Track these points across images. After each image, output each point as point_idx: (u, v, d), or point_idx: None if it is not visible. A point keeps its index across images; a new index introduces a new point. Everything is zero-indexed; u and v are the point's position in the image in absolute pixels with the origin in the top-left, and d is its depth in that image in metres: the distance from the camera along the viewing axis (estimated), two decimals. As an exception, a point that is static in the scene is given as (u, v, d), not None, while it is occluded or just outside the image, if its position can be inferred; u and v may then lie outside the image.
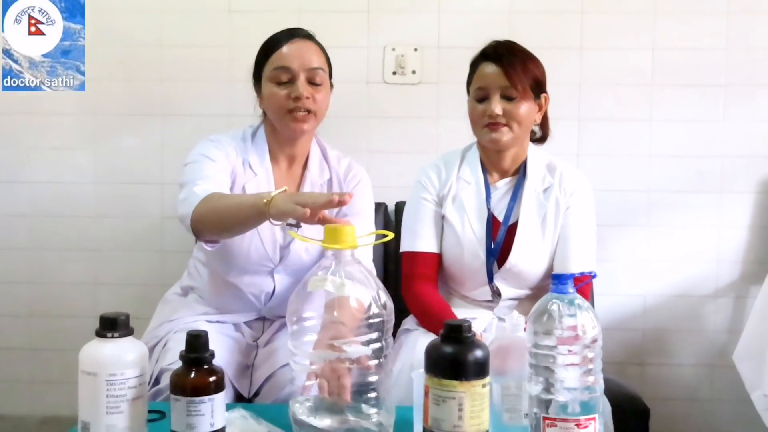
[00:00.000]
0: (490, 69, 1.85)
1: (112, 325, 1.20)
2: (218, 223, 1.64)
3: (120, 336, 1.20)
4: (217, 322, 1.87)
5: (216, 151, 1.82)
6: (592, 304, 1.90)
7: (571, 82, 2.55)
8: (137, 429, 1.20)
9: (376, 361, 1.22)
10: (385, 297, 1.24)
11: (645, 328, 2.61)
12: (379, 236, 1.41)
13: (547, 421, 1.08)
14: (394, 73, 2.58)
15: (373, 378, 1.22)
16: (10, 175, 2.64)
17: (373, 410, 1.22)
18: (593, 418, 1.09)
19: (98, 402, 1.17)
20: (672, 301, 2.60)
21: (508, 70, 1.83)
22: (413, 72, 2.58)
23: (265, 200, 1.45)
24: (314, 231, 1.40)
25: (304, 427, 1.22)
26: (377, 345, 1.22)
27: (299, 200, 1.38)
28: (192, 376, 1.18)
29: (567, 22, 2.55)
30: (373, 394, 1.22)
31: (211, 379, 1.18)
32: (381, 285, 1.26)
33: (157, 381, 1.66)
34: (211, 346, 1.22)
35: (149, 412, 1.25)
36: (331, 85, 1.91)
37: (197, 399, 1.16)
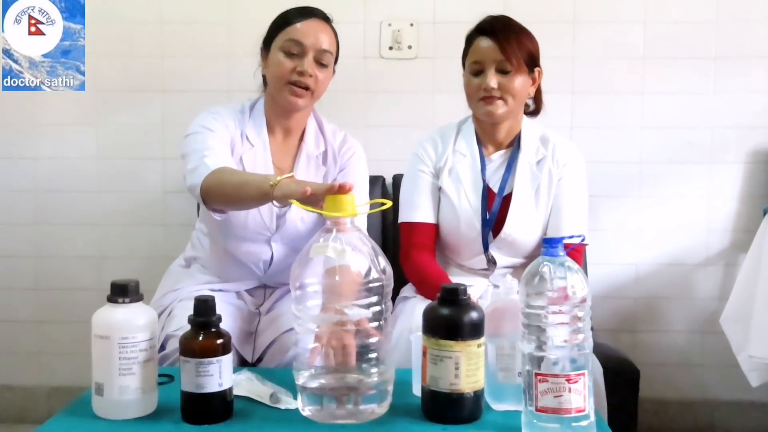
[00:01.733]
0: (485, 43, 1.87)
1: (123, 291, 1.24)
2: (225, 197, 1.70)
3: (131, 301, 1.24)
4: (220, 290, 1.90)
5: (215, 123, 1.86)
6: (586, 273, 1.94)
7: (564, 56, 2.56)
8: (149, 390, 1.25)
9: (376, 323, 1.25)
10: (384, 263, 1.27)
11: (637, 296, 2.65)
12: (376, 205, 1.44)
13: (539, 377, 1.12)
14: (391, 48, 2.60)
15: (373, 339, 1.25)
16: (13, 151, 2.66)
17: (373, 370, 1.25)
18: (583, 374, 1.12)
19: (111, 364, 1.22)
20: (663, 270, 2.64)
21: (503, 45, 1.85)
22: (409, 47, 2.60)
23: (271, 183, 1.49)
24: None
25: (308, 390, 1.26)
26: (377, 308, 1.25)
27: (302, 184, 1.42)
28: (200, 338, 1.23)
29: (561, -4, 2.57)
30: (373, 355, 1.25)
31: (219, 341, 1.23)
32: (380, 251, 1.29)
33: (163, 347, 1.70)
34: (214, 313, 1.27)
35: (158, 375, 1.30)
36: (334, 71, 1.94)
37: (206, 360, 1.21)
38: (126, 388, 1.23)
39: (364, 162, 2.01)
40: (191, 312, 1.26)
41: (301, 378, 1.27)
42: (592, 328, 1.16)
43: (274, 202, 1.52)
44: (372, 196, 2.03)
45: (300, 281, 1.28)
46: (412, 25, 2.59)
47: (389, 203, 1.42)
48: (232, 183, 1.67)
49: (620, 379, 1.88)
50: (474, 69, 1.89)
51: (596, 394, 1.24)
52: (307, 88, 1.85)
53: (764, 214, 1.86)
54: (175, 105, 2.61)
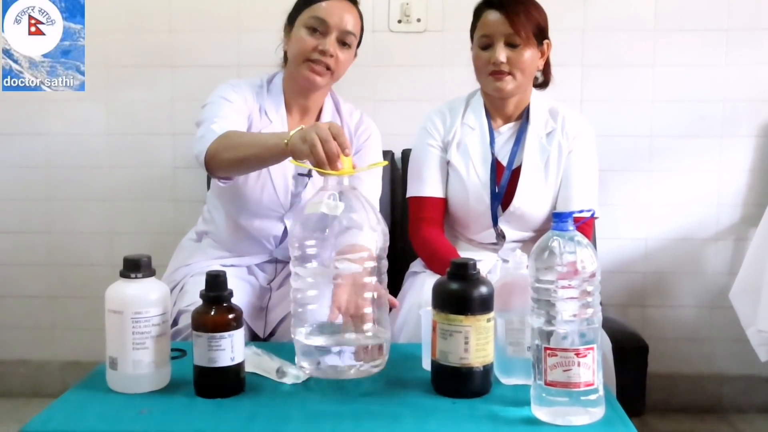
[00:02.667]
0: (493, 16, 1.86)
1: (135, 266, 1.25)
2: (236, 159, 1.64)
3: (143, 276, 1.25)
4: (231, 265, 1.91)
5: (234, 94, 1.85)
6: (595, 247, 1.94)
7: (574, 28, 2.55)
8: (162, 364, 1.27)
9: (370, 279, 1.26)
10: (377, 219, 1.29)
11: (646, 270, 2.65)
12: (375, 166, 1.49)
13: (548, 351, 1.12)
14: (399, 21, 2.59)
15: (367, 295, 1.27)
16: (24, 127, 2.67)
17: (368, 325, 1.28)
18: (592, 348, 1.13)
19: (125, 339, 1.23)
20: (673, 245, 2.64)
21: (511, 18, 1.83)
22: (418, 20, 2.58)
23: (285, 141, 1.46)
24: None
25: (305, 347, 1.28)
26: (370, 264, 1.27)
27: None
28: (212, 313, 1.24)
29: (571, -33, 2.55)
30: (368, 310, 1.28)
31: (231, 316, 1.24)
32: (375, 209, 1.31)
33: (175, 322, 1.72)
34: (226, 288, 1.28)
35: (171, 350, 1.31)
36: (356, 54, 1.93)
37: (218, 335, 1.22)
38: (139, 363, 1.24)
39: (380, 144, 2.01)
40: (203, 287, 1.26)
41: (299, 335, 1.29)
42: (601, 303, 1.16)
43: (291, 159, 1.47)
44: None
45: (300, 242, 1.30)
46: (421, -3, 2.58)
47: (385, 162, 1.45)
48: (245, 144, 1.63)
49: (629, 353, 1.89)
50: (482, 43, 1.88)
51: (605, 369, 1.24)
52: (327, 68, 1.84)
53: (775, 188, 1.85)
54: (184, 80, 2.61)
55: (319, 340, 1.28)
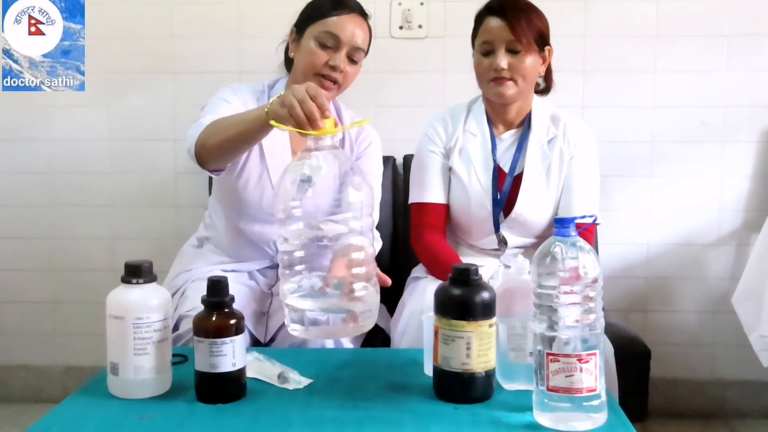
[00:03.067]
0: (495, 23, 1.86)
1: (136, 272, 1.25)
2: (222, 142, 1.62)
3: (145, 282, 1.25)
4: (233, 271, 1.91)
5: (233, 96, 1.86)
6: (597, 252, 1.94)
7: (575, 33, 2.55)
8: (163, 369, 1.26)
9: (359, 239, 1.27)
10: (360, 179, 1.29)
11: (648, 276, 2.65)
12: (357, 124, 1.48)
13: (550, 357, 1.12)
14: (401, 27, 2.59)
15: (358, 255, 1.28)
16: (26, 133, 2.67)
17: (357, 286, 1.28)
18: (594, 354, 1.12)
19: (126, 344, 1.23)
20: (675, 250, 2.63)
21: (512, 24, 1.83)
22: (419, 26, 2.58)
23: (266, 110, 1.46)
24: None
25: (294, 309, 1.28)
26: (355, 224, 1.27)
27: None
28: (214, 319, 1.23)
29: (572, -26, 2.55)
30: (358, 270, 1.28)
31: (232, 321, 1.24)
32: (359, 169, 1.31)
33: (176, 327, 1.71)
34: (227, 294, 1.28)
35: (172, 355, 1.31)
36: (361, 66, 1.93)
37: (219, 340, 1.22)
38: (140, 368, 1.24)
39: (380, 152, 2.01)
40: (204, 292, 1.26)
41: (288, 298, 1.29)
42: (603, 308, 1.16)
43: (273, 122, 1.44)
44: (382, 176, 2.03)
45: (284, 205, 1.29)
46: (422, 3, 2.58)
47: (368, 120, 1.46)
48: (228, 124, 1.62)
49: (631, 358, 1.88)
50: (484, 49, 1.88)
51: (607, 374, 1.24)
52: (335, 82, 1.84)
53: (777, 193, 1.85)
54: (185, 86, 2.61)
55: (307, 304, 1.27)
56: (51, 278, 2.73)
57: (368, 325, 1.31)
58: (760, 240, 1.87)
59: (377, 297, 1.32)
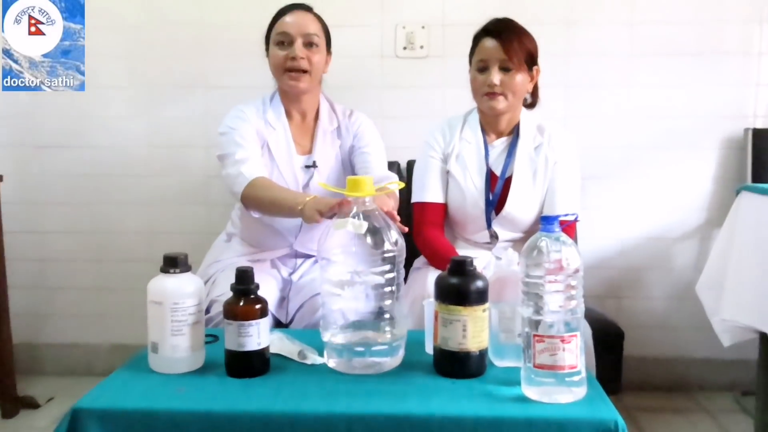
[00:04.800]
0: (490, 44, 1.85)
1: (173, 263, 1.26)
2: (261, 208, 1.78)
3: (180, 272, 1.26)
4: (257, 261, 1.92)
5: (240, 122, 1.89)
6: (577, 246, 1.92)
7: (559, 53, 2.54)
8: (197, 348, 1.27)
9: (389, 288, 1.26)
10: (396, 235, 1.28)
11: (622, 266, 2.64)
12: (393, 186, 1.45)
13: (536, 338, 1.12)
14: (405, 48, 2.58)
15: (387, 302, 1.26)
16: (75, 141, 2.68)
17: (387, 328, 1.26)
18: (575, 335, 1.12)
19: (164, 326, 1.24)
20: (645, 243, 2.63)
21: (506, 45, 1.83)
22: (421, 47, 2.58)
23: (300, 207, 1.57)
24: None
25: (332, 345, 1.28)
26: (390, 275, 1.26)
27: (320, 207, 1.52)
28: (241, 304, 1.24)
29: (557, 1, 2.54)
30: (387, 315, 1.27)
31: (257, 306, 1.24)
32: (394, 226, 1.29)
33: (208, 310, 1.72)
34: (252, 282, 1.27)
35: (205, 336, 1.31)
36: (330, 52, 1.94)
37: (246, 323, 1.22)
38: (177, 347, 1.24)
39: (373, 125, 2.03)
40: (232, 280, 1.27)
41: (327, 335, 1.28)
42: (582, 295, 1.16)
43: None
44: (389, 174, 2.03)
45: (326, 252, 1.29)
46: (423, 27, 2.57)
47: (402, 184, 1.45)
48: (268, 200, 1.74)
49: (607, 339, 1.88)
50: (479, 66, 1.88)
51: (586, 353, 1.23)
52: (303, 71, 1.85)
53: (736, 194, 1.85)
54: (215, 99, 2.61)
55: (345, 340, 1.27)
56: (98, 268, 2.73)
57: (396, 363, 1.29)
58: (720, 235, 1.87)
59: (404, 333, 1.30)
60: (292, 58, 1.85)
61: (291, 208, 1.61)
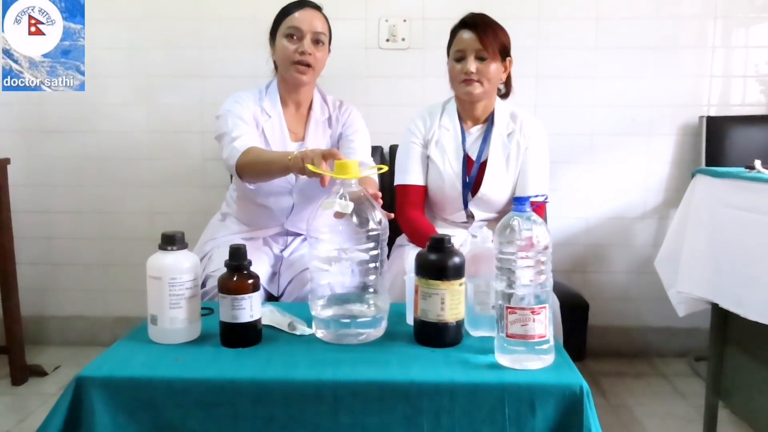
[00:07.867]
0: (467, 35, 1.84)
1: (171, 241, 1.24)
2: (255, 174, 1.71)
3: (177, 249, 1.24)
4: (250, 238, 1.90)
5: (238, 106, 1.85)
6: (547, 225, 1.93)
7: (530, 46, 2.53)
8: (194, 320, 1.25)
9: (374, 264, 1.25)
10: (380, 215, 1.26)
11: (587, 243, 2.65)
12: (377, 168, 1.43)
13: (509, 310, 1.12)
14: (387, 40, 2.56)
15: (371, 277, 1.25)
16: (80, 125, 2.63)
17: (371, 301, 1.26)
18: (544, 307, 1.12)
19: (163, 300, 1.22)
20: (609, 222, 2.64)
21: (481, 36, 1.82)
22: (403, 39, 2.55)
23: (289, 158, 1.52)
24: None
25: (320, 317, 1.27)
26: (374, 252, 1.25)
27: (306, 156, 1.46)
28: (235, 279, 1.22)
29: (528, -3, 2.53)
30: (371, 289, 1.26)
31: (249, 281, 1.23)
32: (378, 206, 1.28)
33: (204, 285, 1.71)
34: (246, 258, 1.26)
35: (201, 308, 1.29)
36: (329, 50, 1.91)
37: (239, 297, 1.21)
38: (175, 319, 1.23)
39: (360, 115, 2.01)
40: (226, 256, 1.25)
41: (315, 308, 1.27)
42: (551, 270, 1.16)
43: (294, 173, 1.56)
44: (372, 163, 2.02)
45: (314, 230, 1.27)
46: (405, 21, 2.54)
47: (386, 167, 1.42)
48: (261, 162, 1.68)
49: (573, 310, 1.88)
50: (457, 56, 1.86)
51: (554, 323, 1.24)
52: (308, 65, 1.83)
53: (691, 176, 1.85)
54: (210, 88, 2.58)
55: (331, 312, 1.26)
56: (102, 245, 2.71)
57: (379, 334, 1.28)
58: (677, 215, 1.87)
59: (387, 306, 1.29)
60: (301, 52, 1.82)
61: (282, 163, 1.55)
